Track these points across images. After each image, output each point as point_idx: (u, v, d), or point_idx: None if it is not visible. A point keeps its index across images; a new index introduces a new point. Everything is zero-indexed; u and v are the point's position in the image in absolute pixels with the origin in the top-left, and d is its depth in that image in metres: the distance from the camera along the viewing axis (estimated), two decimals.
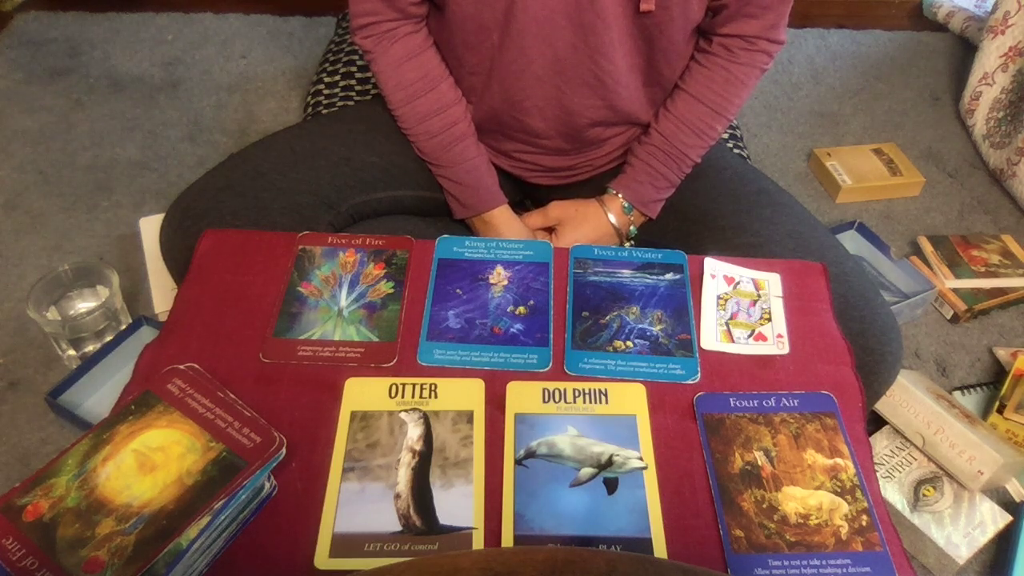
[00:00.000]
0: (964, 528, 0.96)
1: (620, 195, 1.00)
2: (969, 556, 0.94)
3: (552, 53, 0.88)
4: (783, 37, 0.94)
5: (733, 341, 0.77)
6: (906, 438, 1.04)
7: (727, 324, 0.79)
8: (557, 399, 0.71)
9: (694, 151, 0.98)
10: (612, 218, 1.00)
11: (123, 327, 1.12)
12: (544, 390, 0.72)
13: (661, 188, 1.00)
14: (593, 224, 1.00)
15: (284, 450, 0.62)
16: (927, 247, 1.35)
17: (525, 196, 1.16)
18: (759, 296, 0.81)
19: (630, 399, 0.72)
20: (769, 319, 0.79)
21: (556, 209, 1.02)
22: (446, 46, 0.94)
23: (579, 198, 1.02)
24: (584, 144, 0.99)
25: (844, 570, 0.61)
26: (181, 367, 0.67)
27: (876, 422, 1.06)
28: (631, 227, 1.02)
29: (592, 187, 1.04)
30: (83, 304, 1.14)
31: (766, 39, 0.92)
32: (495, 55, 0.90)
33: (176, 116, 1.60)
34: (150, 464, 0.60)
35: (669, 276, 0.83)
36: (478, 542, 0.62)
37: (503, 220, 1.01)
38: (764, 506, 0.65)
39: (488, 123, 0.98)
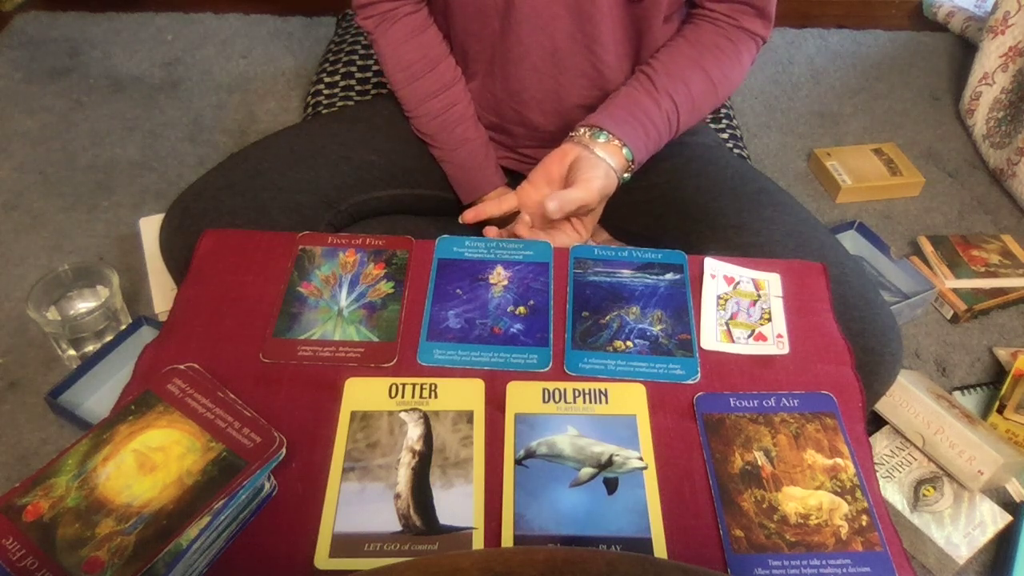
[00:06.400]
0: (964, 528, 0.96)
1: (624, 148, 0.90)
2: (969, 556, 0.94)
3: (550, 43, 0.89)
4: (770, 18, 0.93)
5: (733, 341, 0.77)
6: (906, 438, 1.04)
7: (727, 324, 0.79)
8: (557, 399, 0.71)
9: (688, 123, 0.94)
10: (615, 166, 0.90)
11: (123, 327, 1.12)
12: (544, 390, 0.72)
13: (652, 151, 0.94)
14: (605, 175, 0.89)
15: (284, 450, 0.62)
16: (927, 247, 1.35)
17: None
18: (759, 296, 0.81)
19: (630, 399, 0.71)
20: (769, 319, 0.79)
21: (573, 152, 0.89)
22: (450, 32, 0.95)
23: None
24: None
25: (844, 570, 0.61)
26: (181, 367, 0.67)
27: (876, 422, 1.06)
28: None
29: None
30: (83, 304, 1.15)
31: (753, 6, 0.91)
32: (496, 42, 0.91)
33: (176, 116, 1.60)
34: (150, 464, 0.60)
35: (669, 276, 0.83)
36: (478, 542, 0.62)
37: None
38: (764, 506, 0.65)
39: (492, 116, 0.99)
